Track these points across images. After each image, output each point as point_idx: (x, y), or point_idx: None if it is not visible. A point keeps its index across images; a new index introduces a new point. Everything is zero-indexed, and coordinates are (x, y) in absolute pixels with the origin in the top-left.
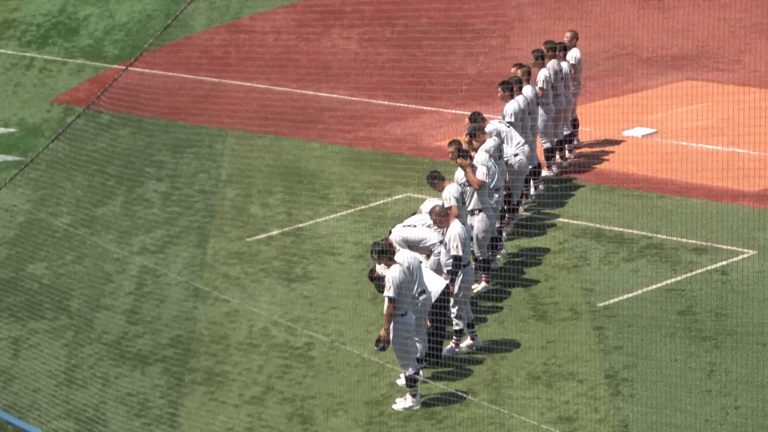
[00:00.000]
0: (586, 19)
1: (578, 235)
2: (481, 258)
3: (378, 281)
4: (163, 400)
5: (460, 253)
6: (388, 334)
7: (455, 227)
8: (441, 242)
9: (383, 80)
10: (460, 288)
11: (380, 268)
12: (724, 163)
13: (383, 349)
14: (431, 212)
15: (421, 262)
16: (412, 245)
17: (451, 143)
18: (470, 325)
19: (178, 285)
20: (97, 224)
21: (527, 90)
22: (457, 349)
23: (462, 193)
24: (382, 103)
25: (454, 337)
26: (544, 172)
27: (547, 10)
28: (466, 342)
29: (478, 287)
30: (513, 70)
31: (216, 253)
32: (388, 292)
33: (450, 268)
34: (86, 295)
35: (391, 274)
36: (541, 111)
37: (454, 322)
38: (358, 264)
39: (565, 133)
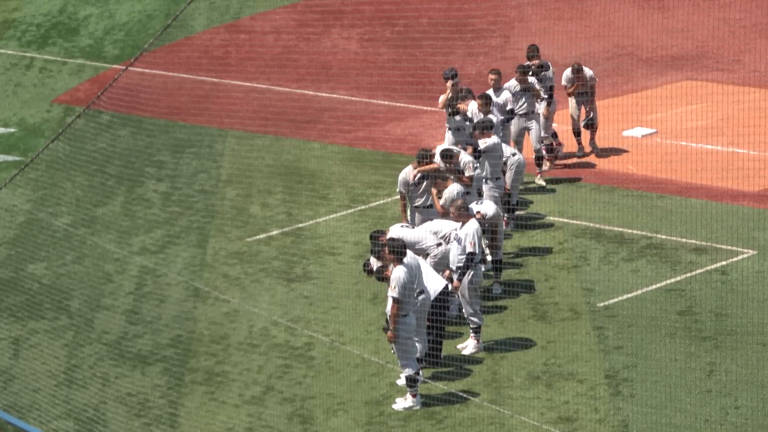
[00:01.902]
0: (586, 19)
1: (578, 235)
2: (494, 259)
3: (377, 273)
4: (163, 400)
5: (476, 250)
6: (395, 335)
7: (472, 224)
8: (438, 245)
9: (383, 80)
10: (469, 286)
11: (374, 261)
12: (724, 163)
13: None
14: (452, 206)
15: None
16: (408, 246)
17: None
18: (479, 329)
19: (178, 285)
20: (97, 224)
21: (504, 95)
22: (477, 345)
23: (464, 194)
24: (382, 103)
25: (473, 334)
26: (538, 180)
27: (547, 10)
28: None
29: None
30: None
31: (216, 253)
32: (394, 292)
33: (461, 264)
34: (86, 295)
35: (397, 275)
36: (535, 123)
37: (471, 322)
38: (358, 264)
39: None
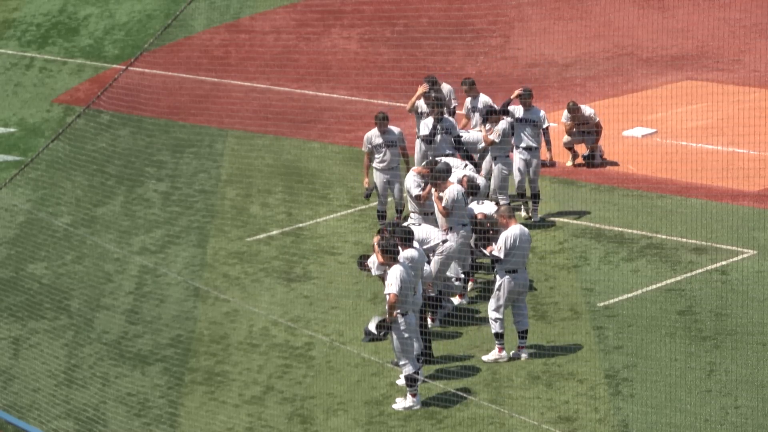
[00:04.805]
0: (586, 19)
1: (578, 235)
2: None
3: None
4: (163, 400)
5: (500, 255)
6: (392, 322)
7: (512, 230)
8: (444, 242)
9: (383, 80)
10: (496, 293)
11: (371, 262)
12: (724, 163)
13: (377, 338)
14: (497, 211)
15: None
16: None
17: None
18: (500, 335)
19: (178, 285)
20: (97, 224)
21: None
22: (501, 354)
23: (464, 194)
24: (382, 103)
25: (496, 342)
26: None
27: (547, 10)
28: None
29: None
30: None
31: (216, 253)
32: (390, 288)
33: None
34: (86, 295)
35: (394, 273)
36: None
37: (492, 326)
38: None
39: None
